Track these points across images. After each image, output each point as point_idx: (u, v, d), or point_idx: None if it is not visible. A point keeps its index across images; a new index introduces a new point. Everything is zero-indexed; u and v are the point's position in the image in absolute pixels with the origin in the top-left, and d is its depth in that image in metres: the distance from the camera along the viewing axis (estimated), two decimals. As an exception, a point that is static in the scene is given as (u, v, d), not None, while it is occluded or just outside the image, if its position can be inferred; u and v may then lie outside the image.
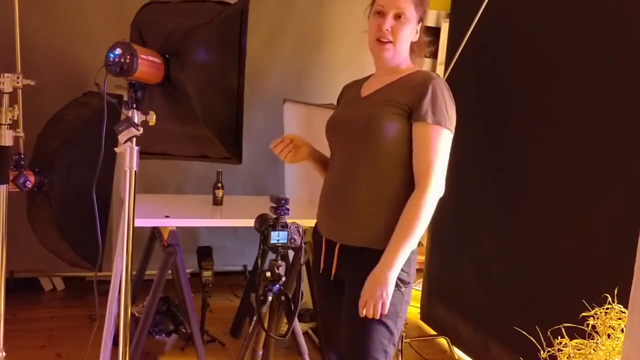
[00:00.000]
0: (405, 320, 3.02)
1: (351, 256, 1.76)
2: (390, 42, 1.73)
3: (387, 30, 1.72)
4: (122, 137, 1.49)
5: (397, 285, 1.70)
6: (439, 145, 1.67)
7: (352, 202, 1.74)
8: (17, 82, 1.92)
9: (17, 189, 2.19)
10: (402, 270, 1.70)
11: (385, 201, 1.72)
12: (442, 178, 1.68)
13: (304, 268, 1.89)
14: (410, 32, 1.75)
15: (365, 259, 1.71)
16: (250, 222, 2.08)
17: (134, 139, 1.50)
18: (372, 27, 1.76)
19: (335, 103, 2.02)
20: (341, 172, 1.78)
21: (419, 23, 1.78)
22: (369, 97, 1.80)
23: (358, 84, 1.91)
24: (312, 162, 1.95)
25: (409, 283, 1.75)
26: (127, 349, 1.57)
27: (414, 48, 1.81)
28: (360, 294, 1.69)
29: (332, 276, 1.82)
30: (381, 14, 1.73)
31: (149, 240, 3.18)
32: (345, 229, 1.77)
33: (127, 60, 1.40)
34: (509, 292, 2.84)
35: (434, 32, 4.87)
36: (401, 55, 1.78)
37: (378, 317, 1.64)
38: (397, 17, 1.72)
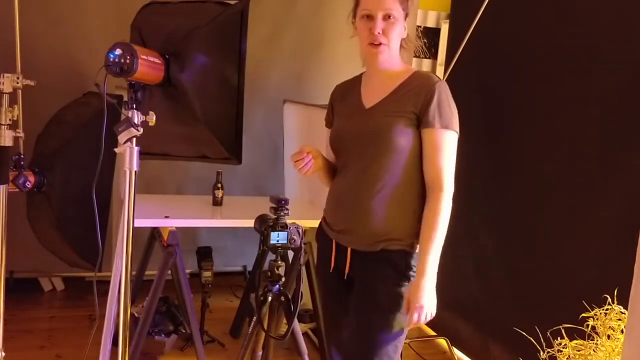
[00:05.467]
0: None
1: (365, 259, 1.78)
2: (384, 44, 1.72)
3: (379, 33, 1.70)
4: (122, 138, 1.49)
5: (409, 280, 1.74)
6: (447, 148, 1.71)
7: (367, 211, 1.75)
8: (17, 83, 1.92)
9: (17, 189, 2.20)
10: (415, 267, 1.73)
11: (401, 207, 1.75)
12: (452, 178, 1.74)
13: (303, 268, 1.89)
14: (400, 31, 1.75)
15: (380, 260, 1.75)
16: (250, 223, 2.08)
17: (134, 140, 1.50)
18: (362, 32, 1.74)
19: (332, 104, 2.01)
20: (353, 182, 1.79)
21: (405, 19, 1.77)
22: (376, 108, 1.77)
23: (353, 87, 1.88)
24: (324, 173, 1.93)
25: None
26: (127, 349, 1.57)
27: (402, 44, 1.80)
28: (374, 294, 1.75)
29: (345, 275, 1.84)
30: (369, 17, 1.72)
31: (149, 241, 3.17)
32: (357, 236, 1.79)
33: (127, 61, 1.40)
34: (509, 292, 2.84)
35: (434, 33, 4.87)
36: (394, 54, 1.77)
37: (423, 322, 1.71)
38: (386, 17, 1.71)
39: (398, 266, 1.74)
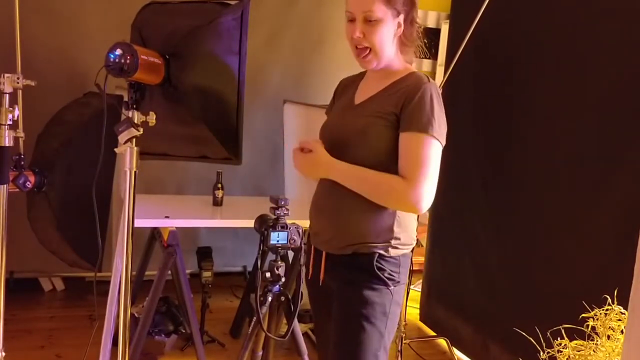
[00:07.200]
0: (405, 320, 3.03)
1: (338, 264, 1.71)
2: (367, 48, 1.64)
3: (358, 36, 1.62)
4: (122, 138, 1.49)
5: (385, 284, 1.66)
6: (427, 154, 1.58)
7: (339, 212, 1.69)
8: (17, 83, 1.92)
9: (17, 189, 2.19)
10: (391, 270, 1.67)
11: (377, 209, 1.65)
12: (432, 190, 1.59)
13: (303, 268, 1.90)
14: (387, 31, 1.63)
15: (353, 264, 1.67)
16: (250, 223, 2.08)
17: (134, 140, 1.50)
18: (346, 36, 1.67)
19: (334, 103, 2.00)
20: (330, 181, 1.71)
21: (397, 16, 1.64)
22: (361, 106, 1.72)
23: (354, 82, 1.84)
24: None
25: (399, 282, 1.70)
26: (127, 349, 1.57)
27: (404, 42, 1.70)
28: (348, 300, 1.67)
29: (320, 282, 1.78)
30: (352, 20, 1.64)
31: (149, 241, 3.18)
32: (332, 238, 1.72)
33: (128, 61, 1.40)
34: (509, 293, 2.84)
35: (434, 33, 4.87)
36: (386, 57, 1.68)
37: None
38: (367, 19, 1.61)
39: (371, 270, 1.65)
